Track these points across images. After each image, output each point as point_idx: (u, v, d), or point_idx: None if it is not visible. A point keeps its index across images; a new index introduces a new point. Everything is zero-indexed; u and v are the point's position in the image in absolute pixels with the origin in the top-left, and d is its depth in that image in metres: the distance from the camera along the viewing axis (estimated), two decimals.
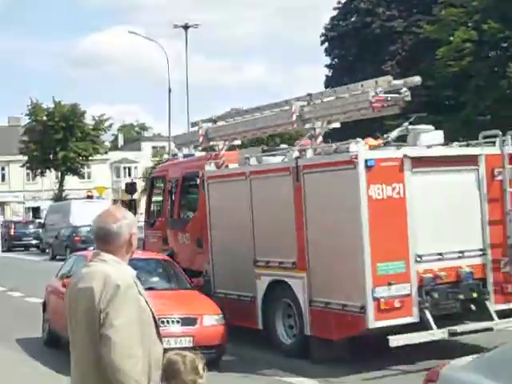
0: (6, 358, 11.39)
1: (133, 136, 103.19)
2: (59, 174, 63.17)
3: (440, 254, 10.21)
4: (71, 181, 64.58)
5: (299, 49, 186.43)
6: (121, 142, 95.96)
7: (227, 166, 13.22)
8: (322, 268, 10.42)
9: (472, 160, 10.62)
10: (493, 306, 10.39)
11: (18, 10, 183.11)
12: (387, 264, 9.78)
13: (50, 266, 23.39)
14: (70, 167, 60.72)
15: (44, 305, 13.19)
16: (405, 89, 10.62)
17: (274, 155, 12.39)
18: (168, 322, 10.43)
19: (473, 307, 10.45)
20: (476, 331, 10.28)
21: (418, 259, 10.01)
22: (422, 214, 10.10)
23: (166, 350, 3.89)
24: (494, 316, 10.27)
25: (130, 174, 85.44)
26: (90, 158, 62.10)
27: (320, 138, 12.11)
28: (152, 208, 17.30)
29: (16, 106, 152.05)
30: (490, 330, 10.22)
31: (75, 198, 48.38)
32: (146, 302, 3.77)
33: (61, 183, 63.25)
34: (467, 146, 11.28)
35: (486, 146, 10.98)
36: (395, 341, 9.45)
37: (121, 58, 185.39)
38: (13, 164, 75.73)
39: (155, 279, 12.30)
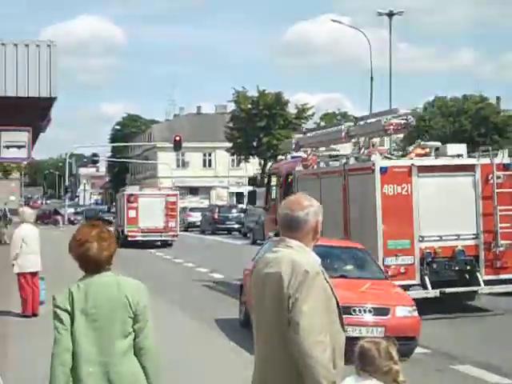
0: (204, 335, 11.91)
1: (335, 124, 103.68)
2: (262, 160, 64.87)
3: (439, 236, 14.01)
4: None
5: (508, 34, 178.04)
6: None
7: (312, 167, 17.56)
8: (356, 240, 13.61)
9: (470, 168, 14.50)
10: (482, 277, 14.05)
11: (222, 1, 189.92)
12: (396, 241, 13.77)
13: (250, 249, 24.09)
14: (273, 154, 62.15)
15: (241, 287, 13.60)
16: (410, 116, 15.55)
17: (337, 160, 16.87)
18: (360, 311, 10.39)
19: (467, 276, 14.24)
20: (463, 293, 14.24)
21: (421, 239, 13.89)
22: (425, 207, 13.86)
23: (357, 339, 3.94)
24: (482, 283, 13.97)
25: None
26: None
27: (363, 150, 16.00)
28: (269, 197, 20.95)
29: (222, 94, 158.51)
30: (475, 292, 14.26)
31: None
32: (332, 289, 3.74)
33: (263, 169, 64.89)
34: (468, 157, 15.14)
35: (483, 157, 14.84)
36: None
37: (325, 46, 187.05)
38: (219, 150, 78.78)
39: (348, 267, 12.29)
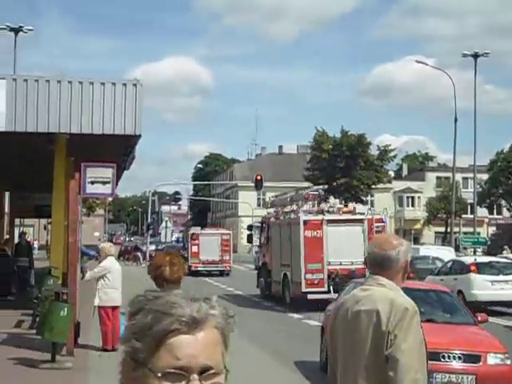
0: (284, 377, 11.71)
1: (417, 166, 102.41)
2: (342, 201, 64.50)
3: (340, 262, 21.91)
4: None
5: None
6: (405, 171, 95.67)
7: (277, 219, 26.05)
8: (294, 262, 22.76)
9: (360, 220, 22.70)
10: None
11: (309, 43, 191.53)
12: (312, 265, 21.78)
13: None
14: (353, 195, 61.71)
15: (323, 328, 13.35)
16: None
17: (288, 215, 25.17)
18: (449, 356, 9.99)
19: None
20: None
21: (328, 263, 21.87)
22: (331, 244, 21.83)
23: None
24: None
25: (412, 204, 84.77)
26: (373, 186, 62.64)
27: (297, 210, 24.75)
28: (262, 238, 28.37)
29: (304, 134, 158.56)
30: None
31: None
32: (422, 332, 3.70)
33: None
34: (361, 214, 24.05)
35: (370, 214, 23.79)
36: (312, 295, 21.44)
37: (409, 87, 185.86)
38: (300, 190, 78.72)
39: (436, 311, 11.90)
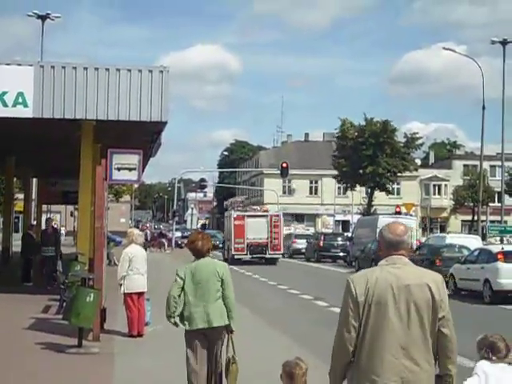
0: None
1: (444, 154, 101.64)
2: (368, 188, 64.24)
3: (254, 238, 41.19)
4: (380, 196, 65.25)
5: None
6: (432, 159, 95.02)
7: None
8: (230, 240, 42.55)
9: (265, 216, 42.84)
10: (268, 251, 41.44)
11: (339, 30, 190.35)
12: (238, 239, 41.21)
13: None
14: (379, 183, 61.40)
15: None
16: None
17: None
18: None
19: (263, 252, 41.57)
20: (266, 258, 41.85)
21: (247, 239, 41.25)
22: (249, 228, 41.29)
23: None
24: (267, 254, 41.73)
25: (439, 192, 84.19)
26: (399, 174, 62.27)
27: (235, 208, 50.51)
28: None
29: (331, 121, 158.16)
30: (275, 260, 41.94)
31: (383, 214, 48.75)
32: None
33: (370, 198, 64.21)
34: (267, 212, 45.32)
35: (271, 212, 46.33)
36: (237, 256, 40.94)
37: (439, 75, 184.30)
38: (325, 178, 78.65)
39: None
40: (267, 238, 41.22)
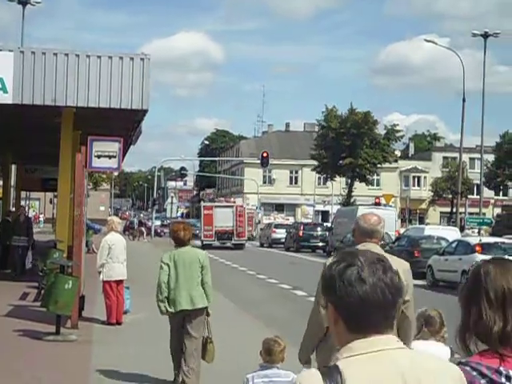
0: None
1: (424, 145, 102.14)
2: (348, 179, 64.44)
3: (221, 226, 46.14)
4: (360, 187, 65.50)
5: None
6: (411, 151, 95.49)
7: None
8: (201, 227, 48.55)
9: (232, 206, 49.16)
10: (235, 239, 46.57)
11: (322, 19, 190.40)
12: (207, 227, 46.54)
13: None
14: (359, 173, 61.59)
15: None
16: None
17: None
18: None
19: (230, 238, 46.66)
20: (234, 244, 46.63)
21: (215, 227, 46.28)
22: (217, 217, 46.48)
23: None
24: (233, 240, 46.75)
25: (418, 184, 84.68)
26: (379, 165, 62.52)
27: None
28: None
29: (312, 112, 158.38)
30: (242, 245, 47.08)
31: (362, 204, 48.94)
32: None
33: (349, 189, 64.43)
34: (233, 203, 53.20)
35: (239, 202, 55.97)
36: (206, 242, 45.63)
37: (422, 67, 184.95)
38: (305, 168, 78.79)
39: None
40: (233, 226, 46.58)
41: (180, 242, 8.54)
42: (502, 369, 2.35)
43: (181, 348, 8.44)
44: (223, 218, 46.24)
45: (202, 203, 53.30)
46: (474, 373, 2.34)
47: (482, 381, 2.33)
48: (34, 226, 25.72)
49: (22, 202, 37.43)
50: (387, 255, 4.73)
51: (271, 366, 5.55)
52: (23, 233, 21.33)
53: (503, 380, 2.34)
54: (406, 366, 2.04)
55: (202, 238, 46.03)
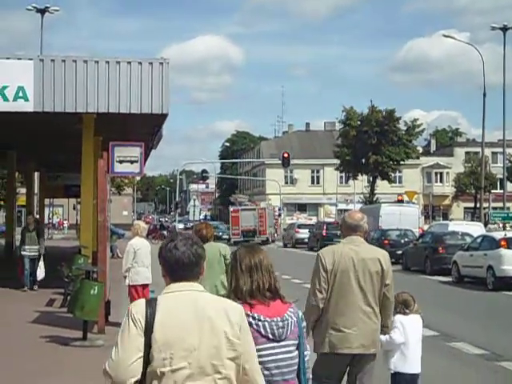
0: None
1: (446, 141, 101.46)
2: (370, 177, 64.16)
3: (246, 226, 54.90)
4: (382, 184, 65.20)
5: None
6: (433, 147, 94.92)
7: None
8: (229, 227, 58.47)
9: (254, 209, 58.38)
10: (258, 235, 54.87)
11: (341, 18, 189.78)
12: (235, 226, 55.59)
13: None
14: (382, 171, 61.31)
15: None
16: None
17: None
18: None
19: (254, 236, 54.56)
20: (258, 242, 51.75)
21: (242, 227, 54.81)
22: (243, 218, 55.42)
23: None
24: (256, 238, 54.31)
25: (441, 180, 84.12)
26: (402, 162, 62.21)
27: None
28: None
29: (332, 111, 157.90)
30: (266, 242, 54.40)
31: (385, 202, 48.71)
32: None
33: (372, 187, 64.16)
34: (256, 205, 63.42)
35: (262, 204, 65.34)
36: (234, 239, 52.90)
37: (442, 62, 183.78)
38: (327, 167, 78.57)
39: None
40: (255, 225, 55.47)
41: (203, 239, 9.26)
42: (249, 312, 3.79)
43: None
44: (247, 219, 55.01)
45: (231, 207, 60.17)
46: None
47: None
48: (57, 232, 25.32)
49: (46, 209, 37.62)
50: (371, 246, 6.25)
51: None
52: (33, 242, 19.79)
53: (250, 320, 3.76)
54: (201, 302, 3.22)
55: (231, 235, 54.48)
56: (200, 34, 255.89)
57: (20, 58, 16.02)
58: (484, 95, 43.56)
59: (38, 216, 34.61)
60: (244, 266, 4.01)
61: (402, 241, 33.97)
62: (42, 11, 38.55)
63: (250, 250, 4.12)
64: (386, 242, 34.00)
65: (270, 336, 3.84)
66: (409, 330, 6.56)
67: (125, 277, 13.36)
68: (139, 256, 13.25)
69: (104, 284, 12.57)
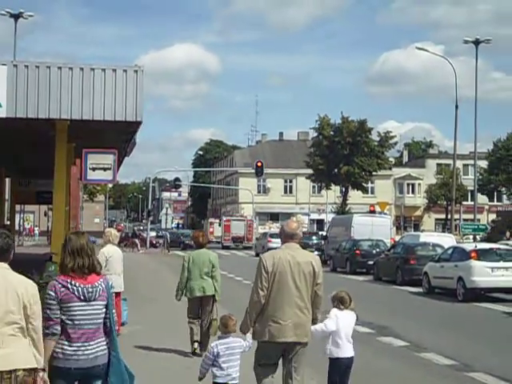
0: None
1: (419, 153, 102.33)
2: (343, 187, 64.51)
3: (235, 233, 65.03)
4: (354, 195, 65.55)
5: None
6: (406, 158, 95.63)
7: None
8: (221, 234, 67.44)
9: (244, 220, 68.14)
10: (245, 242, 64.31)
11: (316, 29, 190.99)
12: (226, 233, 64.70)
13: (330, 277, 23.81)
14: (354, 182, 61.63)
15: None
16: None
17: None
18: None
19: (241, 242, 64.88)
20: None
21: (233, 233, 64.88)
22: (233, 227, 65.08)
23: None
24: (244, 243, 64.23)
25: (413, 191, 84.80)
26: (374, 173, 62.60)
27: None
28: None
29: (305, 121, 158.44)
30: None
31: (357, 212, 48.96)
32: None
33: (344, 197, 64.48)
34: (245, 217, 72.23)
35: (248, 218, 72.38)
36: (225, 244, 64.47)
37: (417, 74, 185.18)
38: (300, 177, 78.87)
39: None
40: (244, 233, 64.43)
41: (199, 245, 11.42)
42: (68, 280, 5.27)
43: (198, 317, 11.36)
44: (238, 228, 64.71)
45: (223, 217, 69.78)
46: (59, 284, 5.32)
47: (62, 288, 5.31)
48: (28, 239, 25.31)
49: (17, 216, 37.29)
50: (304, 251, 7.10)
51: (227, 335, 7.13)
52: None
53: (69, 286, 5.26)
54: (9, 277, 5.04)
55: (223, 241, 64.05)
56: (177, 42, 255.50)
57: None
58: (456, 107, 44.01)
59: (8, 222, 34.28)
60: (70, 249, 5.32)
61: (374, 251, 34.11)
62: (16, 16, 38.28)
63: (76, 235, 5.43)
64: (358, 252, 34.17)
65: (82, 297, 5.24)
66: (341, 321, 7.57)
67: None
68: (111, 264, 13.18)
69: None
